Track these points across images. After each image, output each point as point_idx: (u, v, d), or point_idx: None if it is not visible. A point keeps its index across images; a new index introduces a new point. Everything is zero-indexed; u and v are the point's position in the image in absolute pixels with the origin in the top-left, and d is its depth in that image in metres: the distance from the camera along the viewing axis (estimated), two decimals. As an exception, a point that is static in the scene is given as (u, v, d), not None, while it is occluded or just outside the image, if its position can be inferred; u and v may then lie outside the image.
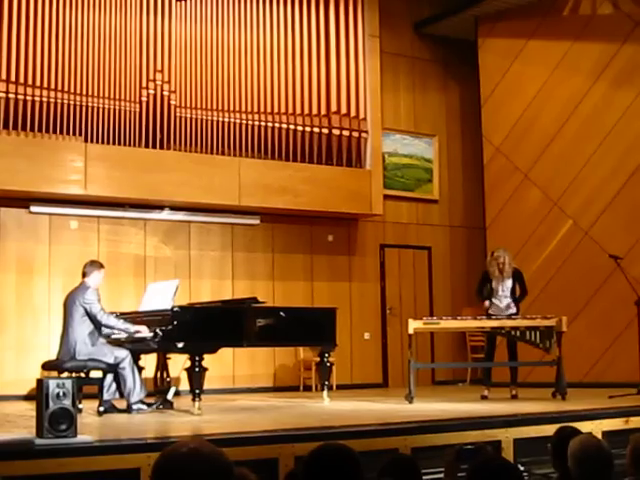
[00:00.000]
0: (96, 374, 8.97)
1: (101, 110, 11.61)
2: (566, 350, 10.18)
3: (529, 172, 13.62)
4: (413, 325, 10.11)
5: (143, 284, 11.55)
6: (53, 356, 9.31)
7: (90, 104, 11.55)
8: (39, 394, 5.81)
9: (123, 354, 8.93)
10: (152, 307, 9.38)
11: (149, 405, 9.07)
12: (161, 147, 11.94)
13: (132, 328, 8.95)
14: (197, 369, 8.59)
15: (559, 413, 8.09)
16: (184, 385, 10.01)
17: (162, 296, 9.46)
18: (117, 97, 11.75)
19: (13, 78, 11.10)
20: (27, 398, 10.63)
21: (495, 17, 14.19)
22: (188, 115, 12.18)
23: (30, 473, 5.37)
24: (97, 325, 8.99)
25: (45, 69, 11.32)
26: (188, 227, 12.72)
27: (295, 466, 5.94)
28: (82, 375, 8.89)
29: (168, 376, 9.95)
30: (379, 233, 14.29)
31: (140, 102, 11.89)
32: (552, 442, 4.67)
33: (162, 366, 9.98)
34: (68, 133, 11.42)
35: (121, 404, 9.01)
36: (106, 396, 8.90)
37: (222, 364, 11.66)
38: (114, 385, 9.02)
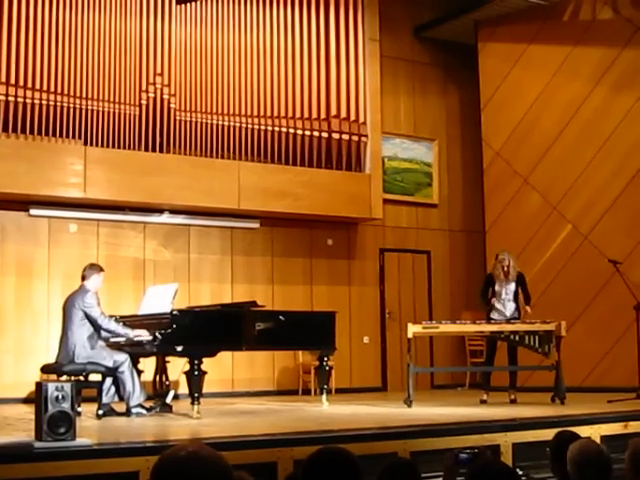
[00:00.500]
0: (95, 377, 8.96)
1: (101, 113, 11.61)
2: (565, 355, 10.18)
3: (529, 176, 13.62)
4: (412, 329, 10.12)
5: (142, 287, 11.55)
6: (52, 359, 9.30)
7: (90, 107, 11.55)
8: (38, 397, 5.81)
9: (122, 358, 8.92)
10: (151, 311, 9.37)
11: (148, 409, 9.07)
12: (161, 150, 11.94)
13: (132, 333, 8.95)
14: (196, 372, 8.59)
15: (558, 418, 8.09)
16: (183, 388, 10.02)
17: (161, 299, 9.45)
18: (117, 100, 11.75)
19: (13, 81, 11.10)
20: (26, 401, 10.62)
21: (495, 21, 14.19)
22: (188, 118, 12.19)
23: (29, 476, 5.37)
24: (96, 328, 8.99)
25: (45, 72, 11.32)
26: (187, 231, 12.71)
27: (294, 470, 5.94)
28: (81, 378, 8.87)
29: (167, 379, 9.95)
30: (378, 237, 14.29)
31: (140, 105, 11.89)
32: (551, 447, 4.67)
33: (161, 370, 9.97)
34: (68, 136, 11.42)
35: (120, 407, 9.00)
36: (105, 399, 8.89)
37: (221, 368, 11.66)
38: (113, 388, 9.01)
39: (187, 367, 8.71)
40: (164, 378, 9.94)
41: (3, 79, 11.03)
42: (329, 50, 13.40)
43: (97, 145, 11.53)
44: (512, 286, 10.69)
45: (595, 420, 7.85)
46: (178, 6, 12.30)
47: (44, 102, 11.23)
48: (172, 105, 12.07)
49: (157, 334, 8.66)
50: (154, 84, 12.01)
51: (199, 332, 8.80)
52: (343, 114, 13.27)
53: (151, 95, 11.97)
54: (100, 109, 11.61)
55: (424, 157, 14.98)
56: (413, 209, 14.80)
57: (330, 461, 3.25)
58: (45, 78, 11.31)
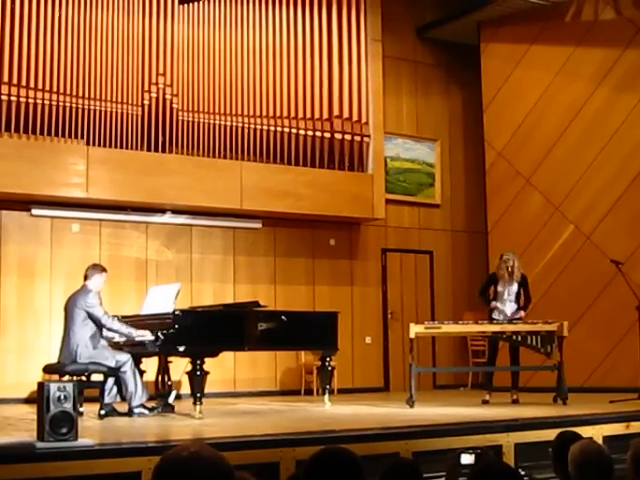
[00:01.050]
0: (97, 377, 8.97)
1: (103, 113, 11.61)
2: (567, 355, 10.18)
3: (531, 177, 13.62)
4: (414, 329, 10.12)
5: (145, 287, 11.55)
6: (54, 359, 9.31)
7: (92, 107, 11.55)
8: (40, 397, 5.81)
9: (124, 358, 8.93)
10: (154, 311, 9.38)
11: (150, 409, 9.07)
12: (163, 150, 11.94)
13: (135, 332, 8.94)
14: (198, 373, 8.60)
15: (560, 418, 8.09)
16: (185, 389, 10.02)
17: (164, 299, 9.45)
18: (119, 100, 11.75)
19: (15, 81, 11.10)
20: (28, 401, 10.62)
21: (498, 22, 14.19)
22: (190, 118, 12.19)
23: (31, 476, 5.37)
24: (99, 328, 8.99)
25: (47, 72, 11.33)
26: (190, 231, 12.71)
27: (296, 470, 5.94)
28: (83, 378, 8.89)
29: (169, 380, 9.95)
30: (381, 237, 14.29)
31: (142, 105, 11.89)
32: (553, 447, 4.67)
33: (163, 370, 9.97)
34: (70, 136, 11.42)
35: (122, 407, 9.01)
36: (107, 399, 8.90)
37: (223, 368, 11.66)
38: (115, 388, 9.02)
39: (189, 367, 8.71)
40: (166, 378, 9.94)
41: (6, 79, 11.04)
42: (332, 50, 13.40)
43: (99, 145, 11.54)
44: (515, 287, 10.69)
45: (597, 420, 7.86)
46: (181, 6, 12.30)
47: (47, 102, 11.24)
48: (175, 105, 12.08)
49: (159, 334, 8.67)
50: (157, 84, 12.01)
51: (201, 332, 8.81)
52: (346, 114, 13.27)
53: (154, 95, 11.97)
54: (103, 109, 11.61)
55: (426, 157, 14.97)
56: (415, 209, 14.80)
57: (332, 461, 3.26)
58: (48, 78, 11.31)
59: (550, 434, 5.87)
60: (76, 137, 11.46)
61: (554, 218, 13.29)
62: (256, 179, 12.44)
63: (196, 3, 12.42)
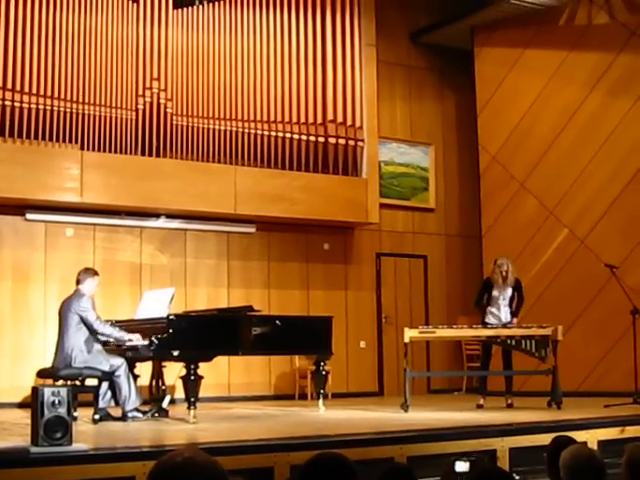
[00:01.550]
0: (91, 382, 8.94)
1: (97, 118, 11.60)
2: (561, 359, 10.19)
3: (525, 181, 13.63)
4: (409, 334, 10.12)
5: (139, 292, 11.54)
6: (48, 364, 9.29)
7: (86, 112, 11.54)
8: (34, 402, 5.80)
9: (119, 362, 8.92)
10: (148, 315, 9.38)
11: (144, 413, 9.07)
12: (157, 155, 11.93)
13: (126, 336, 8.95)
14: (192, 377, 8.59)
15: (554, 422, 8.10)
16: (179, 393, 9.99)
17: (158, 304, 9.45)
18: (113, 105, 11.75)
19: (9, 85, 11.09)
20: (22, 406, 10.62)
21: (491, 26, 14.21)
22: (184, 123, 12.18)
23: (25, 481, 5.37)
24: (92, 332, 8.98)
25: (41, 76, 11.31)
26: (184, 235, 12.71)
27: (290, 475, 5.94)
28: (77, 383, 8.86)
29: (163, 384, 9.95)
30: (375, 242, 14.29)
31: (136, 110, 11.89)
32: (548, 452, 4.67)
33: (157, 374, 9.97)
34: (64, 141, 11.40)
35: (116, 412, 9.00)
36: (101, 404, 8.88)
37: (218, 372, 11.64)
38: (109, 393, 9.01)
39: (183, 372, 8.70)
40: (160, 383, 9.94)
41: (0, 84, 11.02)
42: (325, 55, 13.40)
43: (93, 149, 11.53)
44: (509, 291, 10.70)
45: (592, 425, 7.86)
46: (175, 11, 12.30)
47: (40, 106, 11.22)
48: (169, 110, 12.07)
49: (153, 338, 8.66)
50: (151, 89, 12.01)
51: (195, 337, 8.80)
52: (339, 119, 13.27)
53: (148, 100, 11.96)
54: (97, 113, 11.60)
55: (420, 162, 14.98)
56: (409, 214, 14.81)
57: (327, 467, 3.25)
58: (42, 82, 11.30)
59: (544, 439, 5.88)
60: (70, 142, 11.45)
61: (548, 222, 13.30)
62: (250, 183, 12.44)
63: (190, 8, 12.43)
